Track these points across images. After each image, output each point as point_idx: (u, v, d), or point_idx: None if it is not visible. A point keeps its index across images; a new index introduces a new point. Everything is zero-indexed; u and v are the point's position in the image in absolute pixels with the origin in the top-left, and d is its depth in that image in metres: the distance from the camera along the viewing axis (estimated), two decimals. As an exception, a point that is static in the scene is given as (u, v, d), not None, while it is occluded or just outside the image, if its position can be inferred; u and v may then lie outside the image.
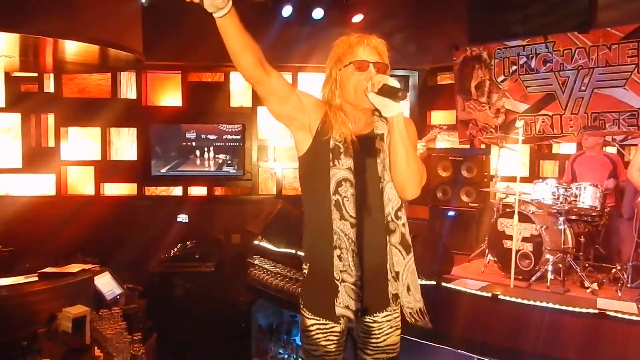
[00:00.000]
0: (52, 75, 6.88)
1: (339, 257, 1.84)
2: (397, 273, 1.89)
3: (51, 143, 7.03)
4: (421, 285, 3.75)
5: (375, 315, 1.93)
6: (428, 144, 5.38)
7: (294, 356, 4.38)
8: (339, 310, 1.84)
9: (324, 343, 1.91)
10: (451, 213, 5.71)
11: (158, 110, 7.14)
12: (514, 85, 5.96)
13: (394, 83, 1.78)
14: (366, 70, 1.88)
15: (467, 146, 6.46)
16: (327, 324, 1.90)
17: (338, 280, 1.84)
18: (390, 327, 1.96)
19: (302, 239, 2.01)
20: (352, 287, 1.84)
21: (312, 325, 1.92)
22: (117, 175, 7.07)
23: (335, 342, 1.92)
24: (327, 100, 1.97)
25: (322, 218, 1.87)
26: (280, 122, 1.97)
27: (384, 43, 1.93)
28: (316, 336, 1.91)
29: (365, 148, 1.90)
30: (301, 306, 1.98)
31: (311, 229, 1.97)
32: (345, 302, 1.84)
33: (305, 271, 1.98)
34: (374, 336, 1.94)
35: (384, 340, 1.95)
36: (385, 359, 1.97)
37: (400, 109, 1.81)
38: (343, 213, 1.84)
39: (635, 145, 5.14)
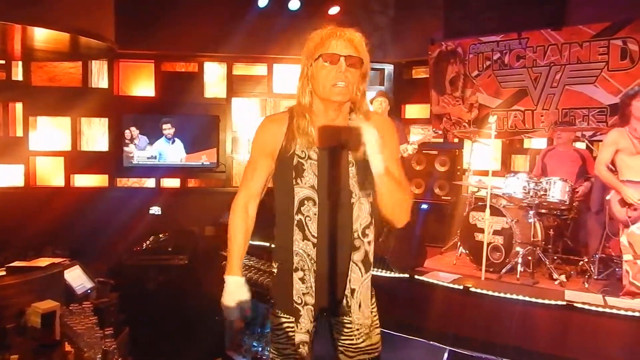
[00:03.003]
0: (20, 62, 6.69)
1: (301, 279, 1.80)
2: (353, 290, 1.83)
3: (19, 133, 6.86)
4: (394, 278, 3.80)
5: (348, 315, 1.86)
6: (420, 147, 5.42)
7: (268, 349, 4.38)
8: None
9: (293, 342, 1.86)
10: (424, 206, 5.77)
11: (130, 100, 7.02)
12: (488, 81, 6.03)
13: (367, 138, 1.66)
14: (336, 63, 1.77)
15: (441, 140, 6.52)
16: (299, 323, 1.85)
17: (300, 304, 1.80)
18: (369, 327, 1.89)
19: (274, 237, 1.96)
20: (312, 308, 1.82)
21: (282, 323, 1.88)
22: (88, 166, 6.94)
23: (306, 341, 1.86)
24: (297, 103, 1.88)
25: (287, 235, 1.82)
26: None
27: (361, 36, 1.82)
28: (285, 334, 1.87)
29: (335, 160, 1.81)
30: (271, 304, 1.95)
31: (278, 237, 1.92)
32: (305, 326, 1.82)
33: (275, 270, 1.93)
34: (352, 336, 1.87)
35: (364, 340, 1.88)
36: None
37: (380, 167, 1.68)
38: (306, 233, 1.79)
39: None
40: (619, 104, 4.48)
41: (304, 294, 1.81)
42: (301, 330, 1.82)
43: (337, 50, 1.78)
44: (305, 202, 1.79)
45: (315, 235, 1.80)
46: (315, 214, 1.79)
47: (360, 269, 1.83)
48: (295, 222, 1.80)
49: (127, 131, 6.76)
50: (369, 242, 1.85)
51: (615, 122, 4.98)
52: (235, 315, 1.84)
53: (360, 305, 1.84)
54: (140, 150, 6.78)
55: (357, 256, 1.82)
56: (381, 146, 1.68)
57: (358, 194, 1.81)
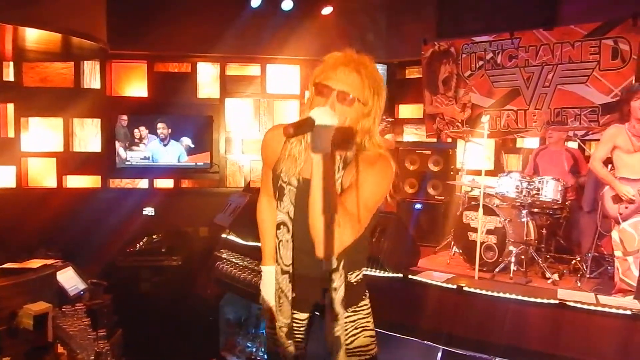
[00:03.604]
0: (11, 63, 6.64)
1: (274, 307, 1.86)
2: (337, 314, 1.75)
3: (11, 134, 6.81)
4: (388, 277, 3.80)
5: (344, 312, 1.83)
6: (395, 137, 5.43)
7: (263, 349, 4.37)
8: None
9: (282, 341, 1.87)
10: (418, 206, 5.78)
11: (123, 100, 6.99)
12: (481, 80, 6.06)
13: (317, 117, 1.52)
14: (327, 97, 1.63)
15: (434, 140, 6.54)
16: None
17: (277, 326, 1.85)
18: (356, 328, 1.86)
19: None
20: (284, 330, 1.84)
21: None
22: (81, 167, 6.90)
23: (298, 330, 1.89)
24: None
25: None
26: None
27: (372, 72, 1.68)
28: (276, 333, 1.87)
29: (306, 196, 1.69)
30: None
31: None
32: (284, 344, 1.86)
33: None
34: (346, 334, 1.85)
35: (352, 342, 1.85)
36: None
37: (321, 152, 1.52)
38: (277, 257, 1.81)
39: (596, 140, 5.31)
40: (617, 100, 4.50)
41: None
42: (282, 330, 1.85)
43: (333, 82, 1.64)
44: (281, 226, 1.78)
45: (288, 263, 1.78)
46: (288, 241, 1.77)
47: (336, 299, 1.73)
48: (275, 243, 1.83)
49: (136, 130, 6.74)
50: (346, 275, 1.75)
51: (608, 120, 5.03)
52: (265, 302, 1.90)
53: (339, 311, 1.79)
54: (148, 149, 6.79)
55: (334, 293, 1.73)
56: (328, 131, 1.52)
57: None
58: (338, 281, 1.71)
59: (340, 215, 1.56)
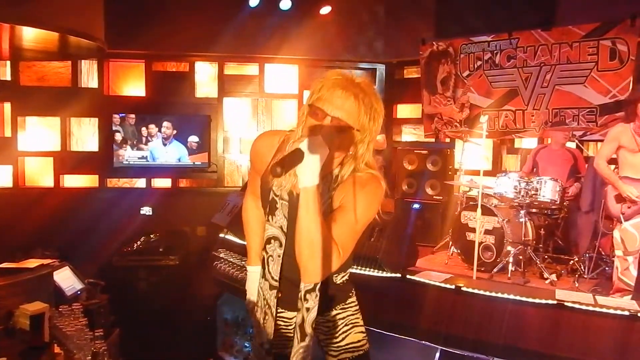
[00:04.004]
0: (8, 62, 6.61)
1: (254, 313, 1.87)
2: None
3: (7, 133, 6.78)
4: (386, 277, 3.79)
5: (325, 314, 1.85)
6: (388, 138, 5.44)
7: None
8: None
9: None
10: (416, 206, 5.78)
11: (121, 100, 6.97)
12: (479, 81, 6.06)
13: (307, 149, 1.47)
14: (321, 121, 1.57)
15: (433, 140, 6.54)
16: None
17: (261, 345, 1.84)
18: (346, 325, 1.88)
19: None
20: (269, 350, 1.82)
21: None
22: (78, 166, 6.88)
23: (284, 327, 1.86)
24: (290, 134, 1.72)
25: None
26: None
27: (372, 100, 1.60)
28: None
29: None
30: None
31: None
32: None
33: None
34: (331, 335, 1.88)
35: (343, 338, 1.88)
36: (351, 358, 1.88)
37: (309, 184, 1.50)
38: (265, 272, 1.78)
39: (593, 141, 5.32)
40: (624, 100, 4.49)
41: (258, 332, 1.84)
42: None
43: (328, 106, 1.57)
44: (272, 240, 1.75)
45: (276, 278, 1.76)
46: (279, 256, 1.74)
47: (308, 319, 1.71)
48: (262, 257, 1.81)
49: (143, 129, 6.73)
50: (330, 278, 1.78)
51: (606, 121, 5.04)
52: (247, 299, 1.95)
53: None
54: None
55: (305, 314, 1.71)
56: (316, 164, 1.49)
57: None
58: (312, 302, 1.67)
59: (327, 246, 1.55)
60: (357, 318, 1.93)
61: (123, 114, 6.71)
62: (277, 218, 1.73)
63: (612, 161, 3.98)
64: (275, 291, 1.77)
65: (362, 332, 1.93)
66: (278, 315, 1.82)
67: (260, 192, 1.82)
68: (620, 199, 3.76)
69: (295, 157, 1.46)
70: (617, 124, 4.04)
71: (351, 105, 1.57)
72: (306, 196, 1.51)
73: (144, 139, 6.75)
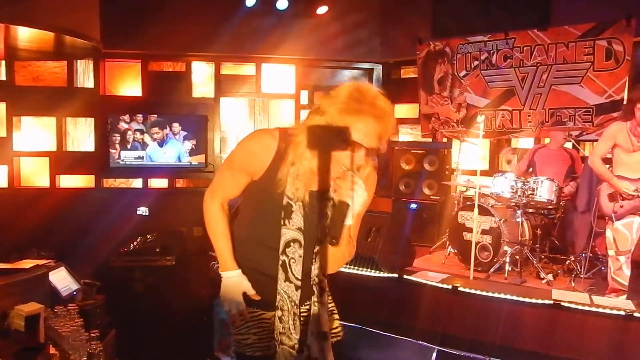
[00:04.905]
0: (3, 62, 6.59)
1: (280, 318, 1.81)
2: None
3: (2, 133, 6.74)
4: (383, 278, 3.79)
5: (307, 303, 1.88)
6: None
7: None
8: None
9: (254, 331, 1.86)
10: (413, 206, 5.79)
11: (117, 100, 6.95)
12: (476, 80, 6.06)
13: (351, 207, 1.66)
14: (357, 152, 1.65)
15: (430, 140, 6.54)
16: (256, 311, 1.87)
17: (277, 341, 1.81)
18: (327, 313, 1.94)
19: (234, 234, 1.91)
20: (289, 349, 1.80)
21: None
22: (74, 166, 6.85)
23: (267, 329, 1.87)
24: (295, 134, 1.73)
25: (264, 255, 1.83)
26: None
27: (392, 124, 1.68)
28: (246, 325, 1.86)
29: (315, 206, 1.76)
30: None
31: (248, 246, 1.88)
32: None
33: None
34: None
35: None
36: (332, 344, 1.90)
37: (350, 222, 1.69)
38: (289, 275, 1.79)
39: (590, 141, 5.33)
40: (622, 99, 4.49)
41: (280, 333, 1.81)
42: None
43: (366, 139, 1.62)
44: (292, 243, 1.77)
45: (299, 277, 1.79)
46: (300, 257, 1.78)
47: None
48: (280, 262, 1.79)
49: (139, 129, 6.70)
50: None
51: (602, 121, 5.05)
52: (237, 308, 1.84)
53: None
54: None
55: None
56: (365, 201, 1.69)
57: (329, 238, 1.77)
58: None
59: (352, 249, 1.81)
60: (334, 306, 1.99)
61: (119, 114, 6.69)
62: (294, 220, 1.76)
63: (607, 161, 3.98)
64: (299, 291, 1.80)
65: (338, 319, 2.00)
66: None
67: (258, 197, 1.81)
68: (612, 198, 3.76)
69: (344, 209, 1.66)
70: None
71: (379, 131, 1.64)
72: (346, 230, 1.69)
73: (140, 139, 6.73)
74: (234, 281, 1.84)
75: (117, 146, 6.69)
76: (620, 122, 3.83)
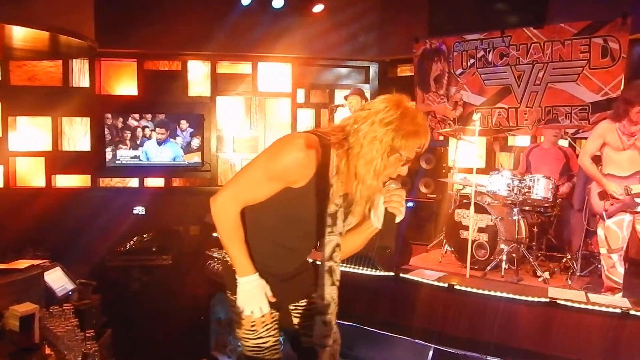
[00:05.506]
0: (-2, 61, 6.57)
1: (325, 322, 1.80)
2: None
3: (-2, 133, 6.74)
4: (380, 276, 3.79)
5: (309, 297, 1.95)
6: None
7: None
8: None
9: (273, 333, 1.89)
10: (410, 204, 5.78)
11: (113, 99, 6.93)
12: (472, 78, 6.06)
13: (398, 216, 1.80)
14: (405, 165, 1.76)
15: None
16: (273, 313, 1.88)
17: (318, 344, 1.82)
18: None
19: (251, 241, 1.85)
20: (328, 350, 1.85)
21: (268, 316, 1.87)
22: (70, 166, 6.84)
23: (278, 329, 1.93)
24: (339, 140, 1.73)
25: (284, 258, 1.88)
26: None
27: None
28: (266, 328, 1.87)
29: (348, 205, 1.83)
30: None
31: (266, 250, 1.85)
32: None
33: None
34: (308, 318, 1.93)
35: None
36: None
37: (379, 224, 1.82)
38: (333, 279, 1.80)
39: (586, 138, 5.32)
40: (615, 98, 4.47)
41: (325, 336, 1.82)
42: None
43: (411, 154, 1.74)
44: (337, 249, 1.78)
45: (339, 278, 1.82)
46: (339, 259, 1.81)
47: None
48: (326, 268, 1.78)
49: (136, 129, 6.70)
50: None
51: (598, 119, 5.04)
52: (262, 311, 1.82)
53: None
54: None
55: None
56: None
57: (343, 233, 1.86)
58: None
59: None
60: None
61: (115, 113, 6.67)
62: (338, 227, 1.77)
63: (596, 158, 3.97)
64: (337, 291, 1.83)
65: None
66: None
67: (295, 204, 1.76)
68: (602, 196, 3.75)
69: (392, 219, 1.79)
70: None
71: (420, 145, 1.75)
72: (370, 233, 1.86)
73: (137, 139, 6.71)
74: (257, 284, 1.81)
75: (113, 145, 6.67)
76: (609, 121, 3.80)
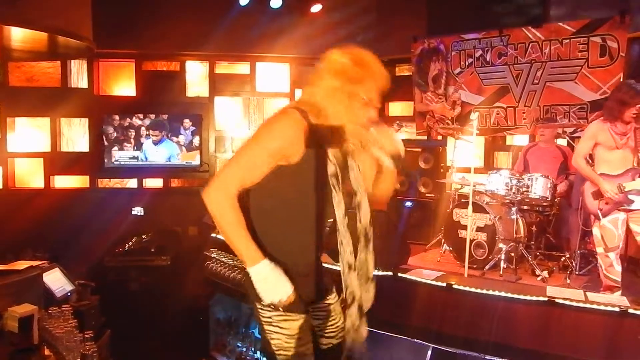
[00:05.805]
0: (-4, 62, 6.56)
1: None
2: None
3: (-4, 134, 6.74)
4: (378, 276, 3.78)
5: (327, 298, 2.01)
6: None
7: (253, 349, 4.35)
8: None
9: (308, 338, 1.89)
10: (408, 203, 5.78)
11: (111, 100, 6.93)
12: (470, 78, 6.06)
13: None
14: (371, 107, 1.88)
15: (425, 137, 6.54)
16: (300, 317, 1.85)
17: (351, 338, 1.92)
18: (340, 305, 2.03)
19: (259, 231, 1.82)
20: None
21: (304, 322, 1.85)
22: (69, 167, 6.84)
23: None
24: (315, 105, 1.81)
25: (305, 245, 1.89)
26: None
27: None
28: (303, 332, 1.86)
29: (346, 164, 1.90)
30: (281, 310, 1.81)
31: (287, 242, 1.85)
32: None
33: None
34: (329, 318, 1.99)
35: (340, 319, 2.02)
36: (343, 340, 1.98)
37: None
38: (348, 257, 1.90)
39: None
40: (610, 98, 4.46)
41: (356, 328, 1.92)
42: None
43: (374, 96, 1.87)
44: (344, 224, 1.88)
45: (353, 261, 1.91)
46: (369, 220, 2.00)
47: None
48: (343, 227, 1.89)
49: (134, 129, 6.70)
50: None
51: (596, 118, 5.04)
52: (287, 293, 1.77)
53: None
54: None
55: (371, 246, 2.07)
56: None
57: (361, 191, 1.95)
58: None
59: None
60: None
61: (113, 114, 6.67)
62: (353, 183, 1.91)
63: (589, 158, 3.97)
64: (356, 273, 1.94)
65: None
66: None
67: (303, 178, 1.82)
68: (596, 195, 3.75)
69: (397, 154, 1.94)
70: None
71: (379, 87, 1.91)
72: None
73: (135, 139, 6.71)
74: (271, 268, 1.74)
75: (112, 146, 6.67)
76: (600, 121, 3.79)
